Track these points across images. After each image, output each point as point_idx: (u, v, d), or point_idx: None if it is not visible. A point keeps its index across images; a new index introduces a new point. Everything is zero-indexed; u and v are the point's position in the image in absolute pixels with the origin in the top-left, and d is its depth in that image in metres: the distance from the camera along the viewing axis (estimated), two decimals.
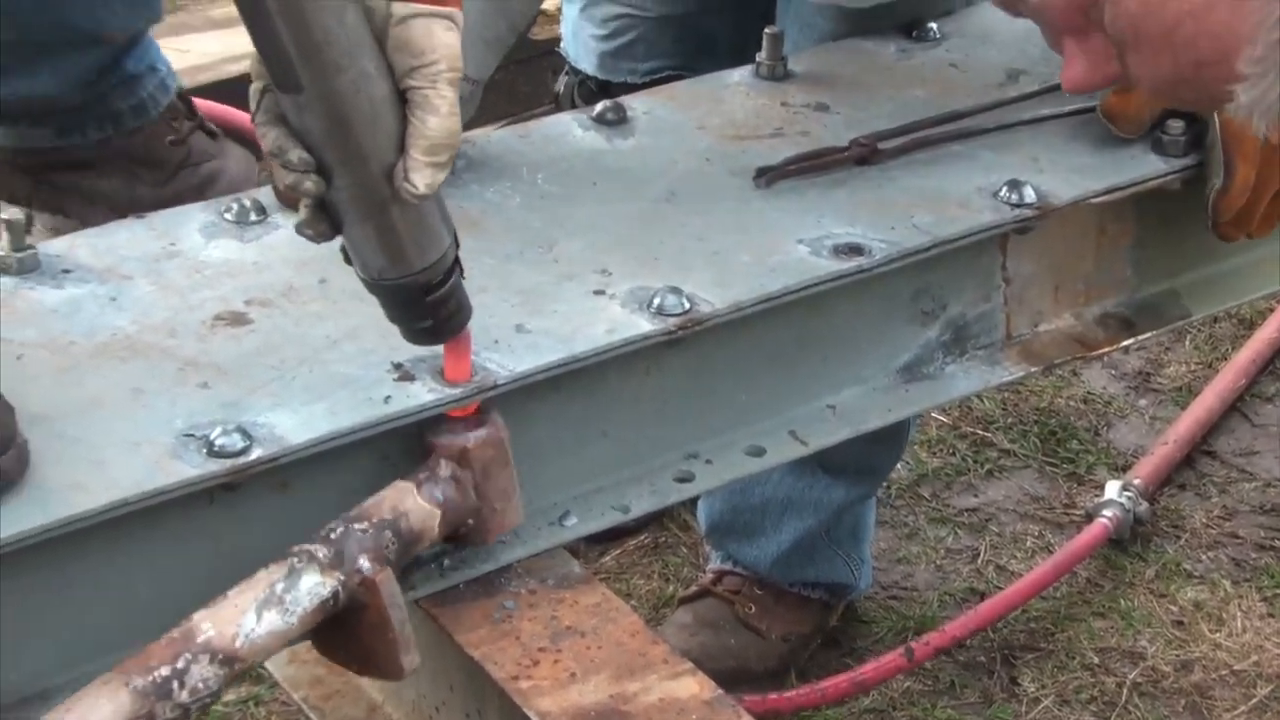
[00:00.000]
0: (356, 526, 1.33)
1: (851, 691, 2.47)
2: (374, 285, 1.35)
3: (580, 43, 2.37)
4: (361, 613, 1.33)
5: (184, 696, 1.23)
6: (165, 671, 1.22)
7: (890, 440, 2.52)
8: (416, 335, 1.40)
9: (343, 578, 1.31)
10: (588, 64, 2.36)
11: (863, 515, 2.65)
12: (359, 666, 1.38)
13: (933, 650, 2.53)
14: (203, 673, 1.24)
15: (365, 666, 1.38)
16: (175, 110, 1.95)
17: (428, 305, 1.36)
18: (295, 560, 1.30)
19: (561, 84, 2.40)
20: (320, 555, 1.31)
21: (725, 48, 2.12)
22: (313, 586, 1.30)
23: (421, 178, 1.26)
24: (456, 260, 1.36)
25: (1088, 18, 1.39)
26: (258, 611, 1.27)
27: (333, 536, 1.32)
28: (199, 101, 2.03)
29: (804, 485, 2.53)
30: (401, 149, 1.26)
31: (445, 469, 1.40)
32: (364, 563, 1.32)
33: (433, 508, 1.38)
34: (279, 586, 1.29)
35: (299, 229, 1.31)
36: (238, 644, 1.26)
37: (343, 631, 1.34)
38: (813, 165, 1.74)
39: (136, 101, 1.93)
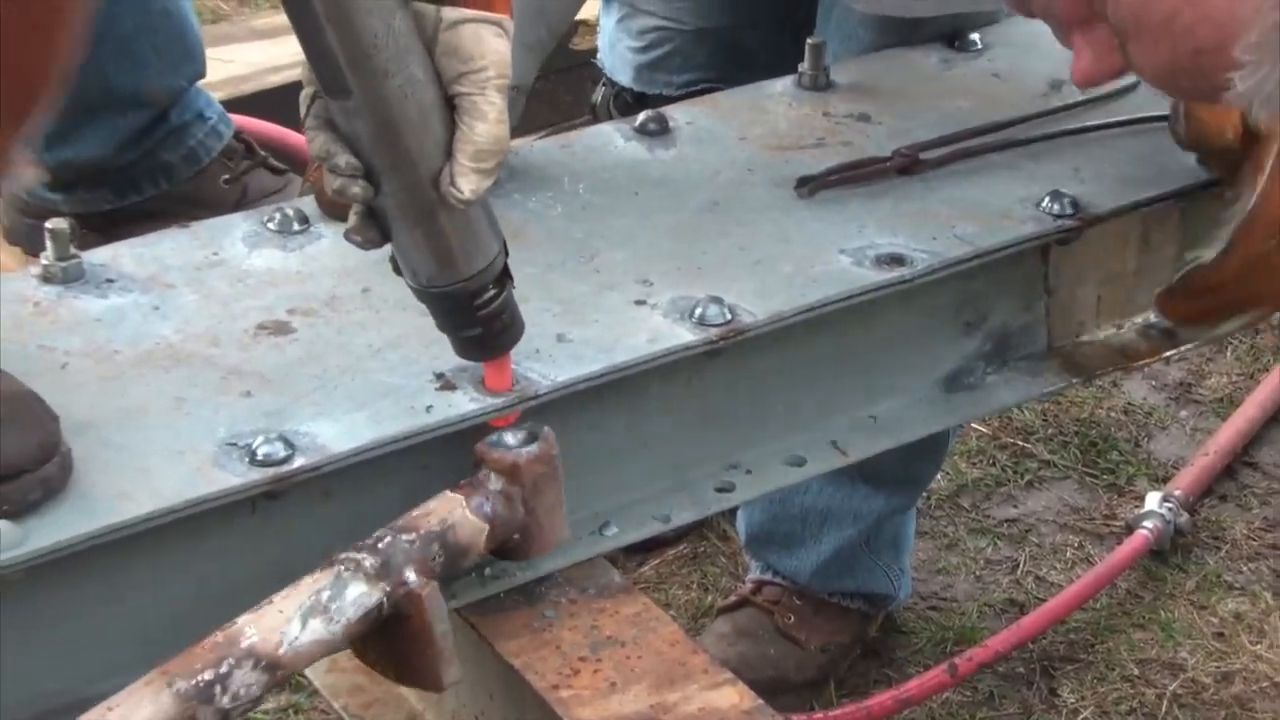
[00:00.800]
0: (404, 537, 1.33)
1: (896, 709, 2.46)
2: (422, 293, 1.36)
3: (617, 54, 2.38)
4: (405, 623, 1.33)
5: (225, 701, 1.23)
6: (209, 675, 1.22)
7: (930, 450, 2.51)
8: (465, 346, 1.40)
9: (388, 589, 1.31)
10: (624, 76, 2.36)
11: (903, 525, 2.65)
12: (398, 675, 1.38)
13: (975, 665, 2.52)
14: (245, 679, 1.24)
15: (404, 676, 1.37)
16: (231, 152, 1.97)
17: (477, 314, 1.36)
18: (342, 569, 1.30)
19: (599, 95, 2.41)
20: (367, 565, 1.30)
21: (762, 61, 2.12)
22: (358, 597, 1.30)
23: (467, 183, 1.26)
24: (506, 269, 1.37)
25: (1092, 8, 1.39)
26: (303, 619, 1.27)
27: (380, 546, 1.32)
28: (245, 121, 2.04)
29: (844, 495, 2.52)
30: (449, 154, 1.26)
31: (495, 483, 1.39)
32: (410, 575, 1.32)
33: (481, 522, 1.37)
34: (325, 595, 1.29)
35: (348, 235, 1.32)
36: (281, 651, 1.26)
37: (384, 639, 1.34)
38: (855, 175, 1.73)
39: (186, 151, 1.94)
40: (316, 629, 1.28)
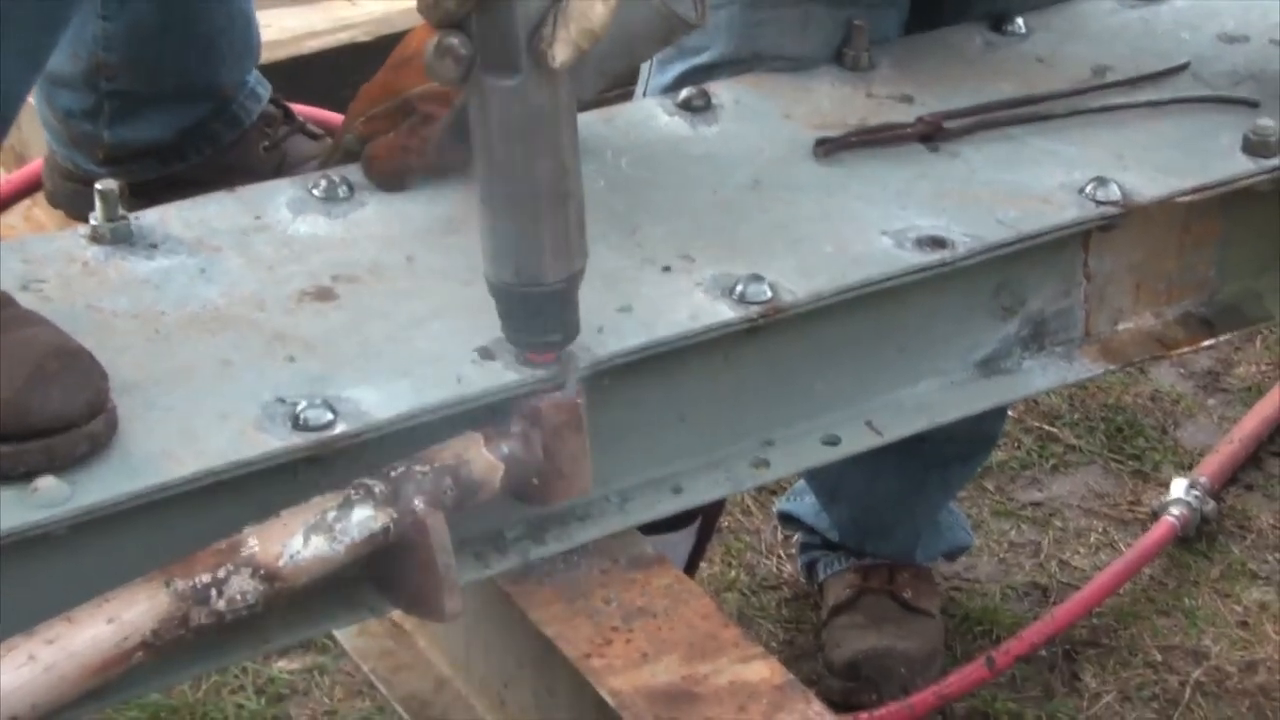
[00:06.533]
0: (417, 468, 1.36)
1: (937, 705, 2.44)
2: (501, 287, 1.38)
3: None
4: (411, 552, 1.36)
5: (220, 605, 1.27)
6: (206, 579, 1.26)
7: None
8: (532, 345, 1.42)
9: (396, 515, 1.34)
10: None
11: (969, 478, 2.67)
12: (406, 605, 1.41)
13: (1012, 659, 2.50)
14: (242, 585, 1.28)
15: (412, 605, 1.41)
16: (271, 118, 1.98)
17: (546, 315, 1.39)
18: (352, 492, 1.33)
19: None
20: (377, 490, 1.34)
21: None
22: (364, 519, 1.33)
23: (563, 50, 1.28)
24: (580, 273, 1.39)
25: None
26: (306, 535, 1.31)
27: (393, 474, 1.35)
28: (299, 107, 2.06)
29: (918, 471, 2.51)
30: (554, 22, 1.28)
31: (516, 425, 1.42)
32: (418, 503, 1.35)
33: (496, 460, 1.40)
34: (331, 514, 1.32)
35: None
36: (281, 563, 1.29)
37: (393, 567, 1.37)
38: (875, 139, 1.73)
39: (229, 116, 1.95)
40: (319, 545, 1.31)
